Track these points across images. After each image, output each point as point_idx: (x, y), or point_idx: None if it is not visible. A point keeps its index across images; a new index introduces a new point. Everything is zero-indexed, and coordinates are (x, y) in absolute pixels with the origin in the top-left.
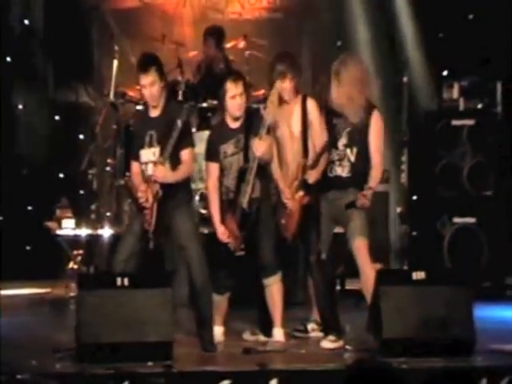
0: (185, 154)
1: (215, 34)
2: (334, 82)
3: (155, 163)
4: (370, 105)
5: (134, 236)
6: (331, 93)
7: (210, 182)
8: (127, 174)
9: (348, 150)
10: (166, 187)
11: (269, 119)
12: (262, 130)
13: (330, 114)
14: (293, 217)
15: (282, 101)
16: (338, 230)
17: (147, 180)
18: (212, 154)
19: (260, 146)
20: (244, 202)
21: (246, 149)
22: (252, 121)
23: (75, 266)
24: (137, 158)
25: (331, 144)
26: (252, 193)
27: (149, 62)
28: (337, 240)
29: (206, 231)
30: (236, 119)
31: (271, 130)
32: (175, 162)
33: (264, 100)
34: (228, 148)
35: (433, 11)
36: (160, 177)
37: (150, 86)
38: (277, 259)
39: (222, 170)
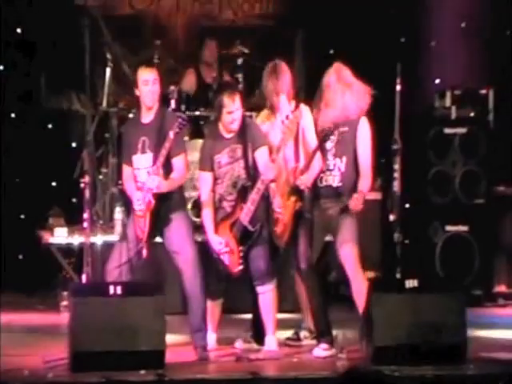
0: (177, 161)
1: (217, 37)
2: (320, 91)
3: (149, 173)
4: (357, 113)
5: (127, 243)
6: (318, 102)
7: (203, 192)
8: (120, 182)
9: (338, 160)
10: (160, 194)
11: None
12: (273, 152)
13: (319, 123)
14: (286, 225)
15: (276, 110)
16: (330, 237)
17: (140, 188)
18: (206, 163)
19: (272, 171)
20: (246, 219)
21: (245, 161)
22: (246, 129)
23: (68, 275)
24: (129, 163)
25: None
26: (256, 211)
27: (153, 62)
28: (329, 248)
29: (199, 239)
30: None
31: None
32: (168, 170)
33: (256, 107)
34: (222, 158)
35: (425, 19)
36: (155, 187)
37: (152, 83)
38: (272, 267)
39: (215, 179)
